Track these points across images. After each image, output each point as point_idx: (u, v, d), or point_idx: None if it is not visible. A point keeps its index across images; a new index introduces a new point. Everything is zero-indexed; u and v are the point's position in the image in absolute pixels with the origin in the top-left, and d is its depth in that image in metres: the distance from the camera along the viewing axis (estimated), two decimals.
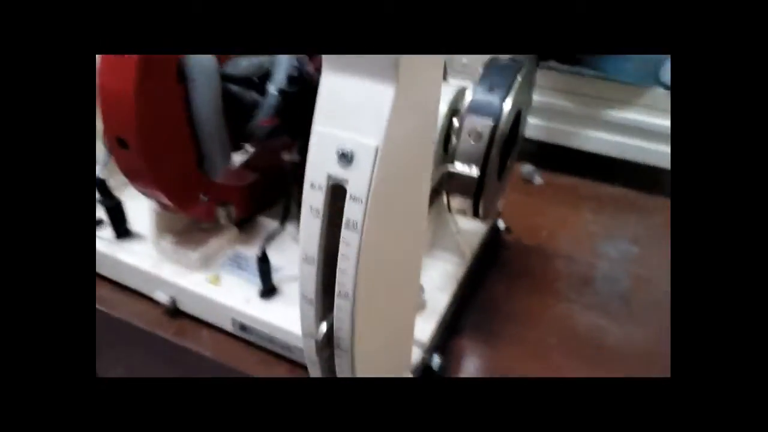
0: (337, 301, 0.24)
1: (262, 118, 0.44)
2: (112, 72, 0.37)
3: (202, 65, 0.40)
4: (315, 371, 0.28)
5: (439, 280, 0.46)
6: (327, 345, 0.26)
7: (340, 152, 0.22)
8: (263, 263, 0.45)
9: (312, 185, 0.23)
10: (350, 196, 0.22)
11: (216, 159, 0.44)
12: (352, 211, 0.22)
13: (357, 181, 0.22)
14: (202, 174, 0.45)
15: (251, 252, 0.50)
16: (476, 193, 0.39)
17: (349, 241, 0.23)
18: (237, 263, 0.49)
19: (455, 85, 0.42)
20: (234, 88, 0.43)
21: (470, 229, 0.51)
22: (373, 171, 0.22)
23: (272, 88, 0.44)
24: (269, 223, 0.53)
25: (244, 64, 0.44)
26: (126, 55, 0.37)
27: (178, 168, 0.43)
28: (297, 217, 0.24)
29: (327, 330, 0.26)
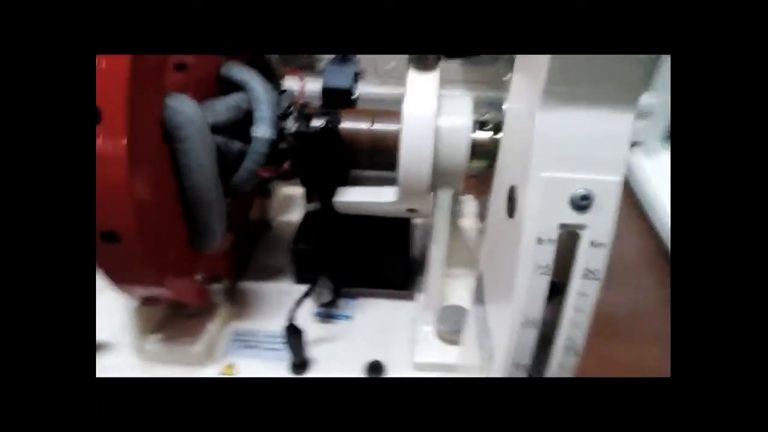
0: (562, 359, 0.22)
1: (254, 167, 0.37)
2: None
3: (190, 120, 0.32)
4: None
5: None
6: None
7: (578, 196, 0.19)
8: (295, 334, 0.38)
9: (539, 240, 0.20)
10: (591, 242, 0.20)
11: (216, 228, 0.36)
12: (593, 258, 0.20)
13: (599, 225, 0.19)
14: (192, 251, 0.36)
15: (252, 325, 0.43)
16: None
17: (586, 291, 0.20)
18: (244, 342, 0.41)
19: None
20: (218, 139, 0.36)
21: None
22: (616, 209, 0.19)
23: (259, 132, 0.37)
24: (250, 287, 0.46)
25: (220, 107, 0.36)
26: (113, 132, 0.27)
27: (175, 249, 0.34)
28: None
29: None
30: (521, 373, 0.23)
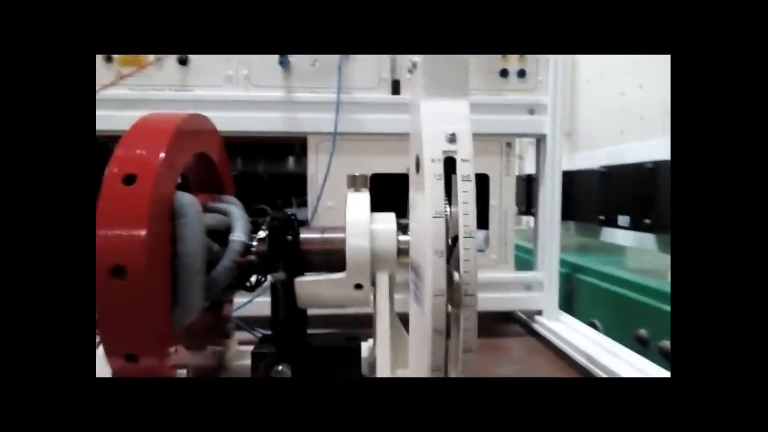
0: (464, 242, 0.32)
1: (229, 264, 0.47)
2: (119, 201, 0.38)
3: (193, 204, 0.44)
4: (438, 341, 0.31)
5: None
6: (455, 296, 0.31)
7: (448, 135, 0.33)
8: None
9: (432, 160, 0.33)
10: (461, 160, 0.33)
11: (194, 298, 0.43)
12: (464, 169, 0.33)
13: (463, 149, 0.33)
14: (172, 324, 0.42)
15: None
16: None
17: (466, 189, 0.32)
18: None
19: None
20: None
21: None
22: (470, 141, 0.34)
23: (235, 236, 0.49)
24: None
25: (208, 216, 0.49)
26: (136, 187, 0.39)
27: (165, 305, 0.41)
28: None
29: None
30: (441, 259, 0.31)
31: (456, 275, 0.32)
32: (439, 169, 0.33)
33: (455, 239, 0.33)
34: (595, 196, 1.17)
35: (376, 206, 0.60)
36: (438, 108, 0.35)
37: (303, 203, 0.79)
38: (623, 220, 1.06)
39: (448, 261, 0.33)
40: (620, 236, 1.10)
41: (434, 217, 0.32)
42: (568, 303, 1.11)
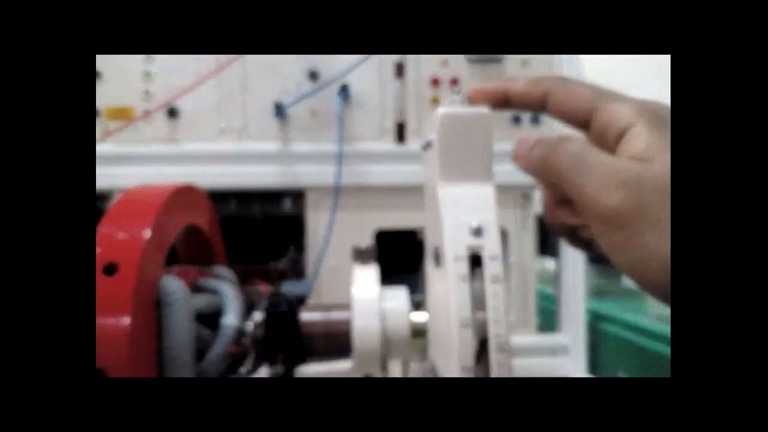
0: (497, 357, 0.27)
1: (221, 351, 0.42)
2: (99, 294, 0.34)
3: (180, 290, 0.39)
4: None
5: None
6: None
7: (473, 228, 0.29)
8: None
9: (456, 258, 0.28)
10: (490, 257, 0.28)
11: None
12: (493, 267, 0.28)
13: (491, 244, 0.29)
14: None
15: None
16: None
17: (496, 292, 0.28)
18: None
19: None
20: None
21: None
22: (498, 235, 0.29)
23: (228, 321, 0.44)
24: None
25: (197, 299, 0.44)
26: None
27: None
28: None
29: None
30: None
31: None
32: (464, 268, 0.28)
33: (483, 343, 0.28)
34: None
35: (382, 266, 0.56)
36: (459, 194, 0.30)
37: (300, 249, 0.74)
38: None
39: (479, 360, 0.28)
40: None
41: (461, 327, 0.27)
42: (593, 352, 1.04)
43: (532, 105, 0.30)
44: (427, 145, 0.33)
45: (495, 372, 0.27)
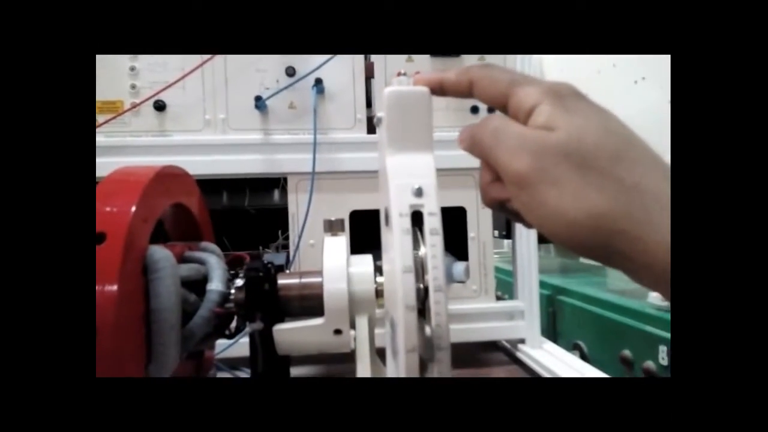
0: (435, 296, 0.32)
1: (207, 314, 0.47)
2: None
3: (166, 258, 0.44)
4: None
5: None
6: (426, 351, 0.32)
7: (415, 189, 0.34)
8: None
9: (400, 214, 0.34)
10: (429, 213, 0.34)
11: (170, 353, 0.43)
12: (432, 222, 0.33)
13: (429, 203, 0.34)
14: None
15: None
16: None
17: (434, 242, 0.33)
18: None
19: None
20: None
21: None
22: (437, 195, 0.34)
23: (213, 286, 0.49)
24: None
25: (183, 267, 0.49)
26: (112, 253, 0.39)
27: (137, 363, 0.41)
28: None
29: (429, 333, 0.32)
30: (413, 315, 0.32)
31: (428, 329, 0.33)
32: (407, 223, 0.34)
33: (426, 290, 0.34)
34: None
35: (357, 242, 0.61)
36: (403, 162, 0.36)
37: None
38: None
39: (421, 313, 0.34)
40: None
41: (404, 272, 0.33)
42: (553, 325, 1.12)
43: (462, 92, 0.35)
44: (378, 121, 0.38)
45: (433, 309, 0.33)
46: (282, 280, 0.51)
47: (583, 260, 1.17)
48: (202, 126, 0.75)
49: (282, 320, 0.49)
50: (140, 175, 0.46)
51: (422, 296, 0.34)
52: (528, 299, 0.78)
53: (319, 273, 0.50)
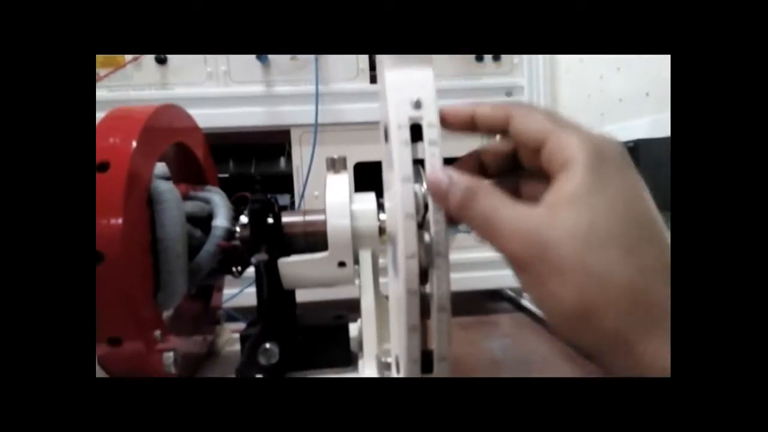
0: (434, 215, 0.32)
1: (213, 249, 0.48)
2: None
3: (171, 190, 0.45)
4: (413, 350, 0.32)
5: None
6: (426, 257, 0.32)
7: (413, 101, 0.34)
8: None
9: (399, 126, 0.33)
10: (428, 124, 0.34)
11: (178, 282, 0.44)
12: (431, 133, 0.33)
13: (428, 114, 0.34)
14: (156, 308, 0.43)
15: None
16: None
17: (433, 153, 0.33)
18: None
19: None
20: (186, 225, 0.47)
21: None
22: (436, 107, 0.34)
23: (218, 222, 0.49)
24: None
25: (189, 203, 0.49)
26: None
27: (146, 289, 0.41)
28: None
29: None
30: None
31: (427, 237, 0.33)
32: (406, 135, 0.33)
33: (426, 206, 0.34)
34: None
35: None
36: (402, 77, 0.36)
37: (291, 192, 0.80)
38: None
39: (421, 226, 0.34)
40: None
41: (403, 181, 0.33)
42: None
43: (495, 126, 0.33)
44: None
45: (432, 218, 0.33)
46: (286, 218, 0.51)
47: None
48: (204, 79, 0.75)
49: (286, 253, 0.50)
50: (141, 111, 0.46)
51: (422, 210, 0.34)
52: None
53: (323, 211, 0.50)
